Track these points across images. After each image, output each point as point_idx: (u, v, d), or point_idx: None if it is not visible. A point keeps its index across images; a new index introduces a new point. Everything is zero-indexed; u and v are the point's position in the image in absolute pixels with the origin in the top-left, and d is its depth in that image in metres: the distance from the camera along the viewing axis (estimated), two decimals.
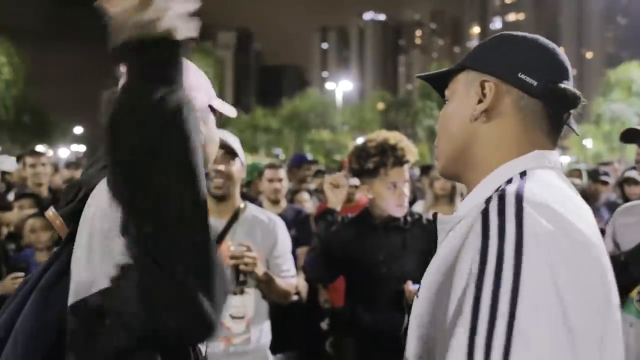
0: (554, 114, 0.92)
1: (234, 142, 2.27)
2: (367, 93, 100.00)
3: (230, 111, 1.34)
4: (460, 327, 0.70)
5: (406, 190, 2.29)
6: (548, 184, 0.83)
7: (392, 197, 2.28)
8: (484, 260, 0.71)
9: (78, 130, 42.99)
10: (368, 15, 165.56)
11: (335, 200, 2.47)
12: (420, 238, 2.32)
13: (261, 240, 2.25)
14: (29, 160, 4.17)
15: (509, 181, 0.85)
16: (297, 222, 3.81)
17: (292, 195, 4.89)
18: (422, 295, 0.89)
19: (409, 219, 2.37)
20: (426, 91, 34.71)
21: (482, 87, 0.92)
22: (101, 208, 0.89)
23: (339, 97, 37.33)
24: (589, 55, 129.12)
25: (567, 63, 0.95)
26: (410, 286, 2.08)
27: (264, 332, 2.30)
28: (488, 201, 0.79)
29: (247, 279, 2.19)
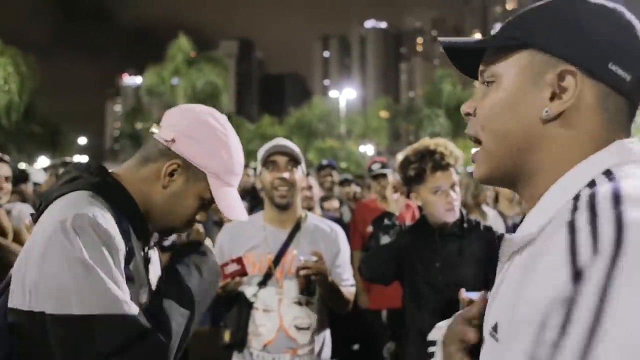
0: (635, 106, 0.74)
1: (297, 149, 2.23)
2: (369, 101, 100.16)
3: (231, 213, 1.32)
4: None
5: (454, 194, 2.27)
6: None
7: (439, 202, 2.25)
8: (571, 307, 0.52)
9: (82, 140, 43.10)
10: (369, 23, 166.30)
11: (395, 205, 2.50)
12: (477, 245, 2.30)
13: (324, 249, 2.22)
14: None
15: (591, 184, 0.66)
16: None
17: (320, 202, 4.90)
18: (502, 338, 0.69)
19: (465, 225, 2.35)
20: (431, 98, 34.76)
21: (561, 79, 0.71)
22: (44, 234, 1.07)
23: (342, 105, 37.44)
24: None
25: None
26: (464, 294, 2.05)
27: (326, 342, 2.28)
28: (573, 210, 0.60)
29: (315, 289, 2.15)
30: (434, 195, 2.24)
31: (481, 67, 0.81)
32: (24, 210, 3.39)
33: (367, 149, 35.80)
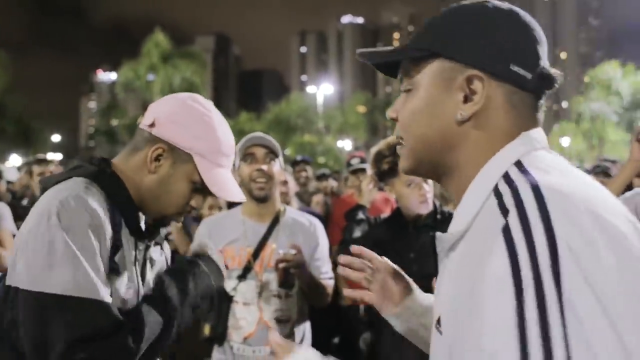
0: (540, 98, 0.81)
1: (274, 142, 2.24)
2: (346, 96, 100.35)
3: (224, 193, 1.31)
4: None
5: (426, 186, 2.31)
6: (552, 166, 0.72)
7: (412, 195, 2.30)
8: (519, 291, 0.58)
9: (56, 138, 42.25)
10: (346, 19, 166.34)
11: (368, 198, 2.54)
12: None
13: (302, 243, 2.23)
14: (36, 169, 4.10)
15: (506, 176, 0.72)
16: None
17: (309, 197, 4.94)
18: (445, 328, 0.74)
19: (439, 217, 2.39)
20: None
21: (470, 83, 0.77)
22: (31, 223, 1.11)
23: (320, 101, 37.43)
24: (563, 55, 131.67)
25: (542, 32, 0.81)
26: (436, 283, 2.10)
27: (306, 334, 2.30)
28: (504, 212, 0.65)
29: (294, 282, 2.16)
30: (408, 188, 2.29)
31: (400, 76, 0.88)
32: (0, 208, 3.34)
33: (345, 144, 35.91)
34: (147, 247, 1.33)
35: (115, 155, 1.35)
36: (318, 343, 2.49)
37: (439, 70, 0.80)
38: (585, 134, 30.44)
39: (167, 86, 26.36)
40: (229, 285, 2.17)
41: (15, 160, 22.23)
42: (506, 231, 0.63)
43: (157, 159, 1.25)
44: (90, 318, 1.06)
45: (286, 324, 2.19)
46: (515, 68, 0.76)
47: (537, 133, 0.79)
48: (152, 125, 1.26)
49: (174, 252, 3.67)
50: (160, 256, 1.42)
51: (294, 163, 5.66)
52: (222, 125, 1.31)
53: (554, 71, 0.79)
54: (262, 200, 2.22)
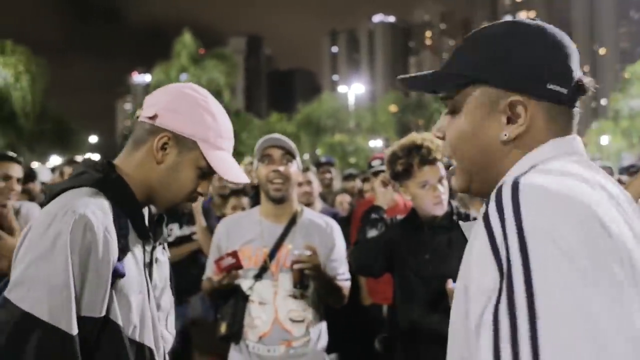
0: (575, 106, 0.87)
1: (291, 144, 2.26)
2: (378, 95, 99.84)
3: (229, 174, 1.32)
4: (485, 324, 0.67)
5: (441, 187, 2.29)
6: (551, 170, 0.77)
7: (427, 196, 2.28)
8: (499, 264, 0.68)
9: (93, 139, 43.38)
10: (377, 18, 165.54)
11: (383, 199, 2.53)
12: (466, 237, 2.32)
13: (319, 244, 2.25)
14: (67, 170, 4.21)
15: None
16: None
17: (333, 198, 4.96)
18: (453, 303, 0.86)
19: (455, 217, 2.37)
20: None
21: (512, 107, 0.84)
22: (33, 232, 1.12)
23: (351, 100, 37.33)
24: (602, 51, 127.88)
25: (571, 43, 0.87)
26: (450, 284, 2.08)
27: (322, 335, 2.31)
28: (487, 202, 0.75)
29: (309, 283, 2.18)
30: (422, 189, 2.27)
31: (441, 98, 0.95)
32: (32, 209, 3.46)
33: (376, 144, 35.74)
34: (154, 248, 1.35)
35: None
36: (337, 344, 2.52)
37: (482, 96, 0.87)
38: (624, 132, 29.51)
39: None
40: (246, 284, 2.20)
41: (55, 160, 22.93)
42: (485, 217, 0.72)
43: (163, 148, 1.27)
44: (51, 349, 1.05)
45: (301, 324, 2.20)
46: (552, 86, 0.83)
47: (569, 140, 0.85)
48: (153, 117, 1.28)
49: (199, 252, 3.75)
50: (163, 256, 1.43)
51: (317, 164, 5.67)
52: (219, 110, 1.34)
53: (587, 80, 0.85)
54: (278, 201, 2.25)
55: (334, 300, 2.31)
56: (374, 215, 2.45)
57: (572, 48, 0.86)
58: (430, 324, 2.19)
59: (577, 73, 0.85)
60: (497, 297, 0.66)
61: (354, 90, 38.02)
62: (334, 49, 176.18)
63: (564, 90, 0.83)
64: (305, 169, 4.00)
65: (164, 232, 1.42)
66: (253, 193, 4.64)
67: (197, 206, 3.69)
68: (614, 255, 0.66)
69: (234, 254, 2.08)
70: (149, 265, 1.32)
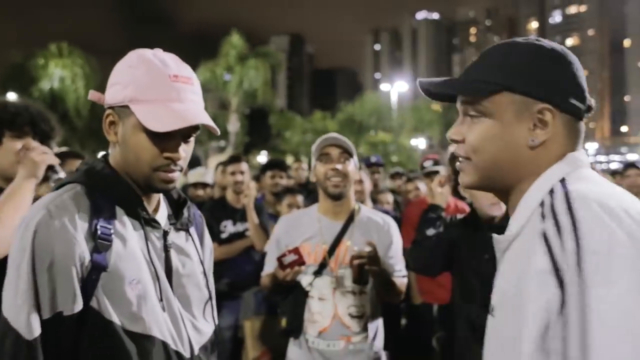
0: (582, 121, 0.96)
1: (349, 142, 2.29)
2: (421, 93, 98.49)
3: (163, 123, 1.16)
4: None
5: None
6: (589, 179, 0.87)
7: (485, 196, 2.25)
8: (561, 284, 0.74)
9: None
10: (421, 15, 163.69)
11: (441, 198, 2.52)
12: None
13: (377, 241, 2.27)
14: (230, 168, 4.09)
15: (551, 191, 0.87)
16: None
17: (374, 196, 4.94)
18: (497, 315, 0.91)
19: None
20: None
21: (541, 114, 0.91)
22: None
23: (394, 99, 37.08)
24: (626, 43, 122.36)
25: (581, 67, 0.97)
26: (495, 279, 2.06)
27: (379, 331, 2.33)
28: (543, 218, 0.82)
29: (368, 279, 2.21)
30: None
31: (461, 103, 0.99)
32: None
33: (419, 143, 35.35)
34: (166, 233, 1.28)
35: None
36: (386, 341, 2.54)
37: (511, 102, 0.92)
38: None
39: (239, 86, 27.16)
40: (305, 280, 2.25)
41: None
42: (544, 236, 0.79)
43: (110, 127, 1.23)
44: (18, 352, 1.07)
45: (360, 320, 2.23)
46: (573, 101, 0.91)
47: (581, 154, 0.94)
48: (99, 99, 1.26)
49: (252, 248, 3.83)
50: (186, 241, 1.35)
51: (367, 164, 5.67)
52: (149, 58, 1.21)
53: (592, 101, 0.95)
54: (337, 197, 2.28)
55: (391, 297, 2.33)
56: (432, 215, 2.45)
57: (582, 70, 0.95)
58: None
59: (587, 93, 0.94)
60: (563, 324, 0.72)
61: (396, 88, 37.76)
62: (377, 47, 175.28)
63: (582, 106, 0.92)
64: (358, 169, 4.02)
65: (184, 216, 1.35)
66: (305, 191, 4.71)
67: (249, 203, 3.77)
68: None
69: (297, 251, 2.12)
70: (165, 251, 1.26)
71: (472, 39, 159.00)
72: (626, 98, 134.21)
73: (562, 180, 0.88)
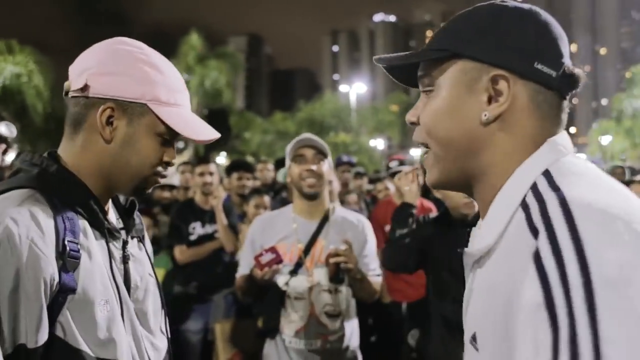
0: (565, 98, 0.79)
1: (323, 143, 2.32)
2: (379, 95, 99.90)
3: (186, 130, 1.11)
4: None
5: None
6: (580, 174, 0.70)
7: (457, 195, 2.32)
8: (555, 326, 0.56)
9: None
10: (378, 17, 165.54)
11: (411, 195, 2.57)
12: None
13: (352, 239, 2.30)
14: (198, 169, 4.01)
15: (534, 188, 0.70)
16: None
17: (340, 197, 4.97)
18: (482, 347, 0.73)
19: None
20: None
21: (494, 83, 0.75)
22: None
23: (353, 99, 37.35)
24: (602, 51, 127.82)
25: (565, 36, 0.79)
26: (464, 296, 2.13)
27: (354, 330, 2.36)
28: (534, 232, 0.63)
29: (344, 277, 2.23)
30: None
31: (419, 77, 0.85)
32: None
33: (378, 143, 35.74)
34: (125, 243, 1.16)
35: None
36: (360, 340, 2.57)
37: (461, 71, 0.78)
38: (627, 132, 29.55)
39: (201, 86, 26.80)
40: (282, 280, 2.26)
41: None
42: (537, 258, 0.60)
43: (108, 122, 1.07)
44: None
45: (336, 319, 2.26)
46: (540, 66, 0.74)
47: (562, 138, 0.77)
48: (85, 87, 1.06)
49: (221, 250, 3.80)
50: (139, 250, 1.23)
51: (338, 163, 5.68)
52: (163, 61, 1.14)
53: (577, 70, 0.77)
54: (312, 198, 2.30)
55: (366, 295, 2.36)
56: (403, 213, 2.49)
57: (563, 35, 0.79)
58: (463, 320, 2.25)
59: (567, 60, 0.77)
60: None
61: (355, 89, 38.06)
62: (335, 48, 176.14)
63: (552, 73, 0.75)
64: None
65: (136, 223, 1.24)
66: (272, 192, 4.70)
67: (218, 204, 3.75)
68: None
69: (274, 250, 2.13)
70: (124, 263, 1.14)
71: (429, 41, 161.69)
72: (574, 100, 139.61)
73: (547, 174, 0.71)
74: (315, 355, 2.20)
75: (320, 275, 2.25)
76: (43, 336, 0.93)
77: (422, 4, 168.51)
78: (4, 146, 1.90)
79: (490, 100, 0.76)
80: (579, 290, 0.55)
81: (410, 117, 0.86)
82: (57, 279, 0.95)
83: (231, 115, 34.74)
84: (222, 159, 31.30)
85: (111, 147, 1.09)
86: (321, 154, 2.31)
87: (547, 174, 0.71)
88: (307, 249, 2.28)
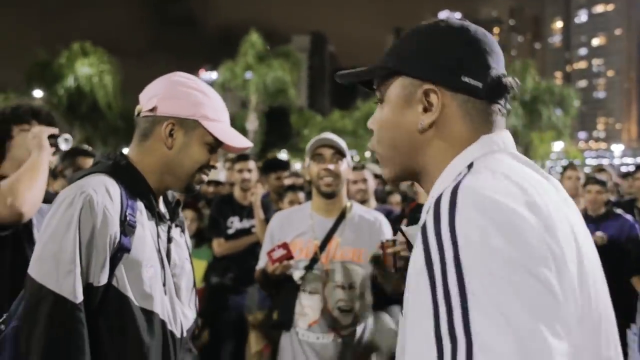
0: (498, 103, 0.89)
1: (342, 143, 2.37)
2: None
3: (234, 140, 1.50)
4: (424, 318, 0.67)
5: None
6: (493, 169, 0.78)
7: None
8: (432, 282, 0.67)
9: None
10: (443, 14, 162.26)
11: (425, 197, 2.58)
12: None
13: (369, 238, 2.34)
14: (237, 166, 4.20)
15: (456, 178, 0.80)
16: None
17: (386, 195, 5.02)
18: (404, 313, 0.83)
19: None
20: None
21: (427, 96, 0.88)
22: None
23: None
24: None
25: (495, 43, 0.90)
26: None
27: (368, 326, 2.39)
28: (426, 211, 0.77)
29: (402, 266, 2.23)
30: None
31: (375, 90, 0.98)
32: None
33: None
34: (170, 228, 1.50)
35: None
36: None
37: (401, 86, 0.91)
38: None
39: (261, 84, 27.36)
40: (297, 274, 2.33)
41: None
42: (423, 229, 0.72)
43: (170, 134, 1.43)
44: (58, 314, 1.20)
45: (349, 314, 2.30)
46: (466, 79, 0.86)
47: (498, 136, 0.88)
48: (153, 109, 1.43)
49: (258, 244, 3.92)
50: (180, 237, 1.57)
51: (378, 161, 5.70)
52: (209, 88, 1.50)
53: (506, 79, 0.88)
54: (329, 196, 2.36)
55: (395, 290, 2.36)
56: (417, 215, 2.50)
57: (495, 48, 0.90)
58: None
59: (497, 71, 0.88)
60: (435, 319, 0.65)
61: None
62: None
63: (479, 85, 0.86)
64: (361, 167, 4.07)
65: (180, 215, 1.58)
66: (309, 189, 4.79)
67: (256, 200, 3.87)
68: (549, 262, 0.67)
69: (285, 246, 2.20)
70: (167, 243, 1.48)
71: (496, 38, 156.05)
72: None
73: (470, 167, 0.82)
74: (327, 348, 2.26)
75: (335, 271, 2.30)
76: (104, 279, 1.28)
77: (488, 1, 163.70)
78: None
79: (425, 111, 0.89)
80: (450, 251, 0.67)
81: (369, 124, 1.00)
82: (118, 239, 1.29)
83: (291, 114, 35.19)
84: (284, 155, 31.85)
85: (171, 152, 1.44)
86: (339, 154, 2.36)
87: (470, 166, 0.82)
88: (323, 245, 2.35)
